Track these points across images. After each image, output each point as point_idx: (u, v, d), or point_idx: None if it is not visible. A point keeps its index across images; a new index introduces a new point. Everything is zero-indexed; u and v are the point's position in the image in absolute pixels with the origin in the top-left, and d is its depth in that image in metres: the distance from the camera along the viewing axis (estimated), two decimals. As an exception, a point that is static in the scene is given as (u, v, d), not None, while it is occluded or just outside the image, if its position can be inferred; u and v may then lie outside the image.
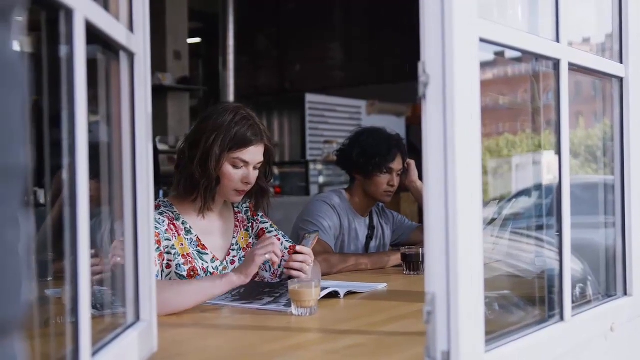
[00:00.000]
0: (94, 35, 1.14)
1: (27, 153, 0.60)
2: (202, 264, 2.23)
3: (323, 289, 2.05)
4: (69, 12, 1.01)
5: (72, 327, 1.03)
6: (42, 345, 1.18)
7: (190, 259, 2.20)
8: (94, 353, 1.10)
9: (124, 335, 1.28)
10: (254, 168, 2.26)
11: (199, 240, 2.25)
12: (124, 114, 1.37)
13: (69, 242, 1.02)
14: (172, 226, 2.19)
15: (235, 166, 2.22)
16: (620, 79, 1.82)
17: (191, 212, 2.27)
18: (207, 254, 2.25)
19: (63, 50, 1.04)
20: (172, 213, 2.23)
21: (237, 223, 2.40)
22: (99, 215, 1.40)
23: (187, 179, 2.22)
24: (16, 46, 0.59)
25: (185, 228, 2.24)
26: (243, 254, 2.36)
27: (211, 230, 2.31)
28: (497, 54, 1.49)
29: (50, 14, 1.04)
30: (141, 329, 1.35)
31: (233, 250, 2.35)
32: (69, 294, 1.03)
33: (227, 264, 2.31)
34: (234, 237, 2.37)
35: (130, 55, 1.36)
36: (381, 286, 2.36)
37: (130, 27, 1.37)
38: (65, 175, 1.02)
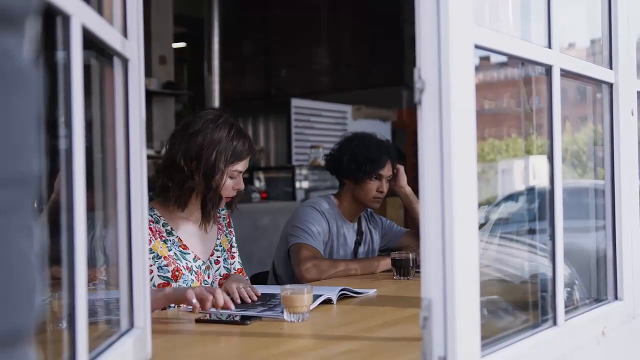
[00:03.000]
0: (88, 41, 1.13)
1: (40, 161, 0.59)
2: (186, 263, 2.29)
3: (316, 296, 2.05)
4: (66, 18, 1.01)
5: (68, 334, 1.02)
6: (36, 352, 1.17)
7: (173, 260, 2.25)
8: (90, 361, 1.09)
9: (119, 343, 1.27)
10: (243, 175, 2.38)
11: (181, 240, 2.31)
12: (117, 120, 1.37)
13: (66, 250, 1.01)
14: (149, 230, 2.20)
15: (231, 177, 2.31)
16: (610, 85, 1.84)
17: (176, 215, 2.33)
18: (189, 253, 2.31)
19: (59, 55, 1.03)
20: (152, 216, 2.25)
21: (220, 226, 2.48)
22: (90, 219, 1.39)
23: (187, 193, 2.27)
24: (29, 54, 0.59)
25: (166, 230, 2.30)
26: (226, 255, 2.46)
27: (194, 232, 2.37)
28: (482, 58, 1.50)
29: (46, 19, 1.04)
30: (135, 336, 1.35)
31: (217, 250, 2.43)
32: (65, 301, 1.02)
33: (210, 263, 2.39)
34: (217, 239, 2.45)
35: (125, 61, 1.36)
36: (372, 292, 2.37)
37: (124, 33, 1.36)
38: (62, 181, 1.02)
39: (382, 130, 7.67)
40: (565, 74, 1.61)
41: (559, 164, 1.55)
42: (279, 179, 7.67)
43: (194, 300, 1.92)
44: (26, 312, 0.56)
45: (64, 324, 1.12)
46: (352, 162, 3.01)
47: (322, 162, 6.68)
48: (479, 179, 1.67)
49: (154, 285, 2.20)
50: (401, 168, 3.15)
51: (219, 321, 1.89)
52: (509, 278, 2.00)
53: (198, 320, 1.90)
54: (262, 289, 2.30)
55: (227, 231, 2.51)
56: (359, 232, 3.17)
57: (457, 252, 1.17)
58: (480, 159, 1.80)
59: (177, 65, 8.77)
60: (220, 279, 2.40)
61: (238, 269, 2.49)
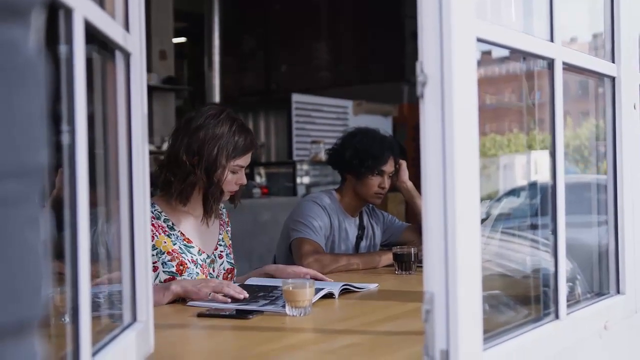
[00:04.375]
0: (90, 35, 1.13)
1: (47, 153, 0.60)
2: (191, 257, 2.30)
3: (317, 289, 2.05)
4: (69, 12, 1.01)
5: (72, 327, 1.02)
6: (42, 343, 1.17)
7: (177, 254, 2.27)
8: (94, 354, 1.09)
9: (122, 336, 1.27)
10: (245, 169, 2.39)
11: (183, 234, 2.32)
12: (119, 115, 1.36)
13: (69, 245, 1.01)
14: (151, 226, 2.22)
15: (233, 172, 2.32)
16: (613, 78, 1.84)
17: (178, 210, 2.35)
18: (193, 247, 2.33)
19: (62, 49, 1.03)
20: (152, 212, 2.27)
21: (222, 222, 2.50)
22: (93, 215, 1.39)
23: (189, 187, 2.29)
24: (34, 45, 0.59)
25: (167, 225, 2.31)
26: (228, 250, 2.48)
27: (197, 227, 2.38)
28: (484, 52, 1.49)
29: (48, 12, 1.03)
30: (138, 329, 1.35)
31: (220, 245, 2.45)
32: (69, 295, 1.02)
33: (215, 257, 2.41)
34: (220, 234, 2.46)
35: (127, 55, 1.36)
36: (373, 286, 2.37)
37: (126, 27, 1.36)
38: (65, 176, 1.02)
39: (383, 125, 7.67)
40: (568, 67, 1.60)
41: (561, 158, 1.55)
42: (279, 174, 7.67)
43: (210, 296, 2.05)
44: (33, 304, 0.57)
45: (67, 319, 1.12)
46: (354, 157, 3.01)
47: (323, 158, 6.67)
48: (480, 174, 1.67)
49: (160, 282, 2.21)
50: (403, 163, 3.15)
51: (221, 315, 1.89)
52: (511, 273, 2.01)
53: (200, 315, 1.90)
54: (264, 282, 2.31)
55: (227, 229, 2.54)
56: (361, 227, 3.17)
57: (459, 245, 1.17)
58: (481, 154, 1.80)
59: (178, 60, 8.77)
60: (224, 273, 2.41)
61: (228, 268, 2.49)
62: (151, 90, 7.44)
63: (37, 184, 0.58)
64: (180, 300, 2.13)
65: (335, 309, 2.06)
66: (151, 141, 7.10)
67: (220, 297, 2.04)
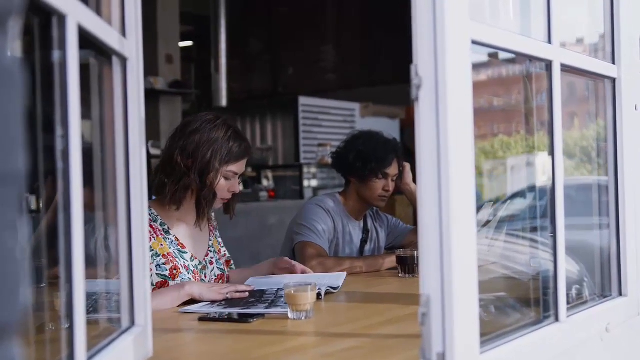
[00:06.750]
0: (86, 40, 1.13)
1: (25, 158, 0.60)
2: (184, 262, 2.33)
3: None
4: (62, 18, 1.01)
5: (67, 332, 1.03)
6: (36, 351, 1.18)
7: (172, 258, 2.29)
8: (89, 358, 1.10)
9: (119, 340, 1.28)
10: (239, 177, 2.41)
11: (178, 239, 2.35)
12: (117, 119, 1.37)
13: (64, 249, 1.02)
14: (149, 228, 2.24)
15: (226, 178, 2.34)
16: (613, 80, 1.83)
17: (172, 215, 2.37)
18: (187, 252, 2.36)
19: (56, 55, 1.04)
20: (150, 215, 2.28)
21: (211, 228, 2.53)
22: (93, 221, 1.40)
23: (182, 190, 2.30)
24: (13, 52, 0.59)
25: (163, 229, 2.34)
26: (218, 257, 2.50)
27: (189, 233, 2.41)
28: (490, 55, 1.50)
29: (42, 18, 1.04)
30: (136, 334, 1.35)
31: (211, 251, 2.48)
32: (62, 300, 1.02)
33: (206, 263, 2.43)
34: (210, 240, 2.49)
35: (123, 60, 1.36)
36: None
37: (123, 32, 1.36)
38: (59, 181, 1.02)
39: (390, 127, 7.67)
40: (567, 69, 1.60)
41: (560, 159, 1.54)
42: (286, 177, 7.67)
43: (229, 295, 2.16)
44: (11, 308, 0.57)
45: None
46: (358, 160, 3.01)
47: (329, 160, 6.69)
48: (488, 176, 1.66)
49: (152, 284, 2.22)
50: (407, 166, 3.14)
51: (222, 319, 1.90)
52: (515, 275, 2.00)
53: (202, 319, 1.91)
54: (259, 284, 2.33)
55: (216, 233, 2.56)
56: (365, 230, 3.17)
57: (455, 247, 1.17)
58: (490, 155, 1.79)
59: (185, 64, 8.76)
60: (215, 279, 2.42)
61: (218, 275, 2.49)
62: (158, 94, 7.44)
63: (15, 189, 0.58)
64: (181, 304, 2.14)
65: (337, 312, 2.06)
66: (157, 145, 7.09)
67: (237, 295, 2.14)
